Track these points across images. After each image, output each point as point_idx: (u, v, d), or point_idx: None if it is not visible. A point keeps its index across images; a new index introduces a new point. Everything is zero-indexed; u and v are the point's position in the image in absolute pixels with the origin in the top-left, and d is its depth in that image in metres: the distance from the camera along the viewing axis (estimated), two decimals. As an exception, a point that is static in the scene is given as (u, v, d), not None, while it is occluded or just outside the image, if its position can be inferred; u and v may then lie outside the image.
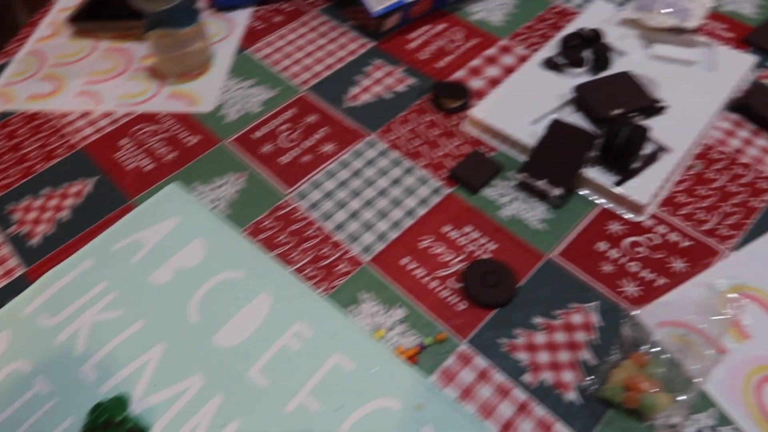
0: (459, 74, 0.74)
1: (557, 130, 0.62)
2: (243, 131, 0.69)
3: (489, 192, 0.61)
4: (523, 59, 0.75)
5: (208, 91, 0.74)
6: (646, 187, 0.58)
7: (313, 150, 0.66)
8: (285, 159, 0.66)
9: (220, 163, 0.66)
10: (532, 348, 0.50)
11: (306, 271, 0.56)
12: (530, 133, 0.64)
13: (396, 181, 0.63)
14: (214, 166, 0.66)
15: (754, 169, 0.62)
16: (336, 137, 0.67)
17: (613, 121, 0.60)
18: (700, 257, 0.55)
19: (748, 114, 0.67)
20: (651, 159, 0.61)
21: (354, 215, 0.60)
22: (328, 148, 0.66)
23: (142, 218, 0.62)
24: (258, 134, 0.68)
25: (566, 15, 0.81)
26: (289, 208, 0.61)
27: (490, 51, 0.76)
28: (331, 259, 0.57)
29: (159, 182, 0.65)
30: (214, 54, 0.78)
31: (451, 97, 0.69)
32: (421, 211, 0.60)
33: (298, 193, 0.62)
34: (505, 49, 0.76)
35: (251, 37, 0.81)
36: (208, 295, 0.55)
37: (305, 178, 0.63)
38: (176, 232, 0.60)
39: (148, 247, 0.59)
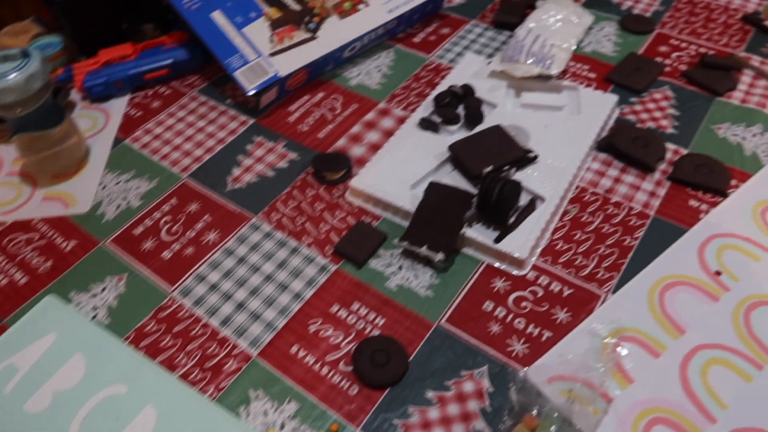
0: (340, 143, 0.74)
1: (435, 192, 0.63)
2: (122, 229, 0.67)
3: (376, 263, 0.61)
4: (401, 121, 0.76)
5: (85, 190, 0.71)
6: (525, 241, 0.60)
7: (197, 241, 0.65)
8: (167, 254, 0.64)
9: (99, 267, 0.63)
10: (426, 425, 0.49)
11: (193, 375, 0.54)
12: (411, 198, 0.65)
13: (282, 264, 0.62)
14: (93, 271, 0.63)
15: (625, 207, 0.65)
16: (219, 224, 0.66)
17: (487, 177, 0.62)
18: (581, 304, 0.57)
19: (614, 152, 0.70)
20: (527, 211, 0.62)
21: (240, 306, 0.58)
22: (211, 236, 0.65)
23: (15, 340, 0.58)
24: (138, 231, 0.66)
25: (440, 71, 0.84)
26: (173, 307, 0.59)
27: (369, 116, 0.77)
28: (218, 358, 0.55)
29: (34, 296, 0.61)
30: (89, 149, 0.76)
31: (332, 169, 0.69)
32: (309, 293, 0.59)
33: (181, 290, 0.60)
34: (384, 113, 0.78)
35: (129, 126, 0.79)
36: (89, 417, 0.52)
37: (189, 273, 0.62)
38: (53, 351, 0.57)
39: (23, 371, 0.56)
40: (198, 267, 0.62)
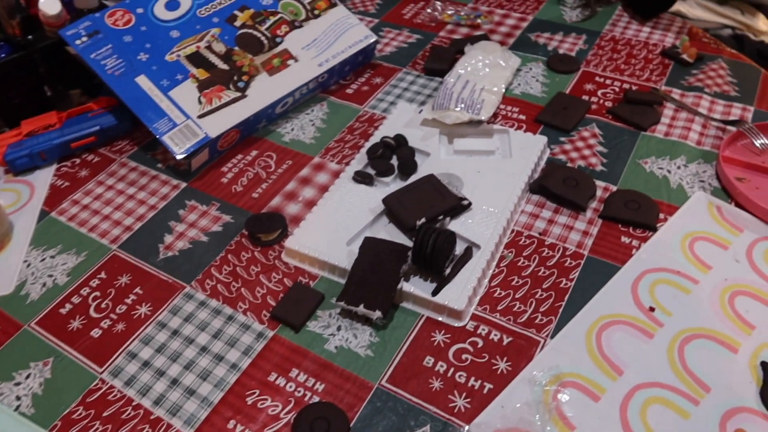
0: (275, 202, 0.73)
1: (370, 248, 0.63)
2: (48, 309, 0.63)
3: (314, 325, 0.60)
4: (336, 175, 0.76)
5: (7, 270, 0.68)
6: (462, 291, 0.59)
7: (127, 315, 0.62)
8: (96, 333, 0.61)
9: (23, 352, 0.60)
10: (370, 497, 0.48)
11: (124, 464, 0.51)
12: (347, 255, 0.64)
13: (217, 334, 0.59)
14: (16, 357, 0.59)
15: (560, 248, 0.65)
16: (151, 296, 0.64)
17: (421, 229, 0.61)
18: (521, 352, 0.56)
19: (547, 194, 0.71)
20: (463, 260, 0.62)
21: (174, 383, 0.56)
22: (142, 310, 0.62)
23: (-70, 441, 0.54)
24: (65, 309, 0.63)
25: (374, 121, 0.84)
26: (103, 389, 0.56)
27: (304, 171, 0.77)
28: (150, 443, 0.52)
29: (-49, 390, 0.57)
30: (12, 225, 0.73)
31: (266, 230, 0.68)
32: (246, 363, 0.57)
33: (111, 371, 0.57)
34: (319, 167, 0.77)
35: (55, 197, 0.77)
36: None
37: (119, 351, 0.59)
38: (-29, 449, 0.53)
39: (-62, 475, 0.52)
40: (129, 344, 0.59)
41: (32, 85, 0.86)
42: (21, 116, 0.84)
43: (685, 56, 0.91)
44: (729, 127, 0.79)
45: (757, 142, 0.76)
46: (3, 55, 0.82)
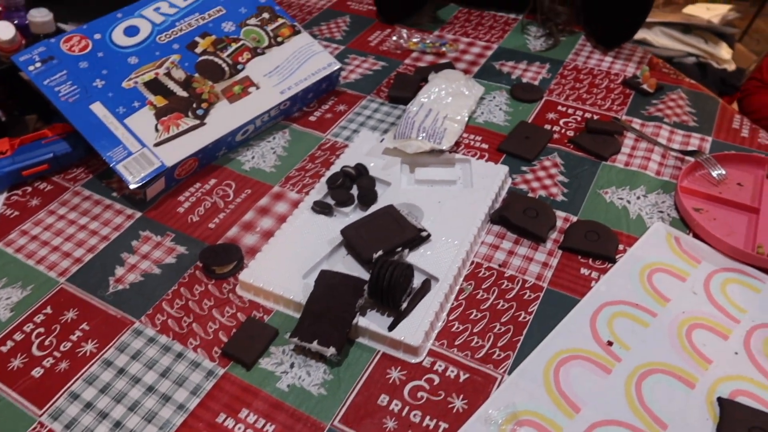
0: (232, 232, 0.71)
1: (326, 281, 0.61)
2: (-12, 347, 0.61)
3: (266, 362, 0.58)
4: (296, 204, 0.74)
5: (-52, 304, 0.65)
6: (419, 326, 0.58)
7: (72, 353, 0.59)
8: (38, 372, 0.58)
9: (-41, 394, 0.57)
10: None
11: None
12: (303, 288, 0.62)
13: (165, 373, 0.57)
14: (-49, 399, 0.56)
15: (519, 281, 0.65)
16: (98, 332, 0.61)
17: (377, 262, 0.60)
18: (478, 389, 0.55)
19: (507, 224, 0.71)
20: (421, 293, 0.61)
21: (117, 425, 0.53)
22: (88, 347, 0.60)
23: None
24: (6, 348, 0.60)
25: (336, 149, 0.83)
26: (41, 433, 0.53)
27: (263, 201, 0.75)
28: (89, 491, 0.49)
29: None
30: (-44, 257, 0.70)
31: (221, 262, 0.66)
32: (194, 403, 0.55)
33: (51, 413, 0.55)
34: (278, 197, 0.76)
35: (3, 228, 0.74)
36: None
37: (61, 392, 0.56)
38: None
39: None
40: (72, 384, 0.57)
41: (-15, 111, 0.84)
42: (-29, 143, 0.81)
43: (645, 86, 0.92)
44: (687, 158, 0.80)
45: (714, 173, 0.77)
46: (-47, 80, 0.80)
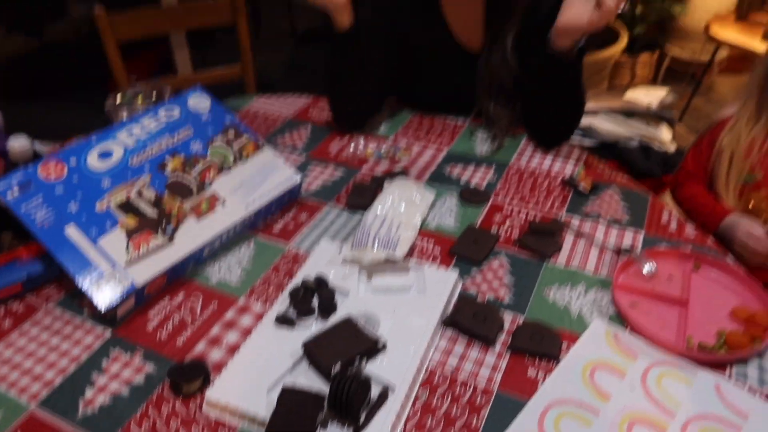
0: (199, 348, 0.75)
1: (287, 398, 0.65)
2: (-43, 479, 0.62)
3: (232, 481, 0.60)
4: (260, 317, 0.78)
5: None
6: (377, 437, 0.62)
7: (41, 481, 0.61)
8: (7, 503, 0.59)
9: None
10: None
11: None
12: (267, 404, 0.65)
13: (133, 497, 0.59)
14: None
15: (471, 386, 0.69)
16: (67, 458, 0.63)
17: (336, 376, 0.64)
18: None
19: (459, 328, 0.76)
20: (378, 404, 0.65)
21: None
22: (58, 474, 0.62)
23: None
24: (-25, 478, 0.62)
25: (298, 259, 0.88)
26: None
27: (229, 314, 0.79)
28: None
29: None
30: (-73, 386, 0.72)
31: (188, 380, 0.69)
32: None
33: None
34: (243, 310, 0.80)
35: (-25, 352, 0.76)
36: None
37: None
38: None
39: None
40: None
41: (-41, 234, 0.88)
42: (-55, 266, 0.84)
43: (582, 185, 1.01)
44: (622, 254, 0.87)
45: (645, 269, 0.84)
46: (-70, 209, 0.84)
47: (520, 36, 1.13)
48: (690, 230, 0.93)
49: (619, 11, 0.92)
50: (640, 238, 0.91)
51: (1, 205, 0.87)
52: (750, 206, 1.09)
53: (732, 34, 2.42)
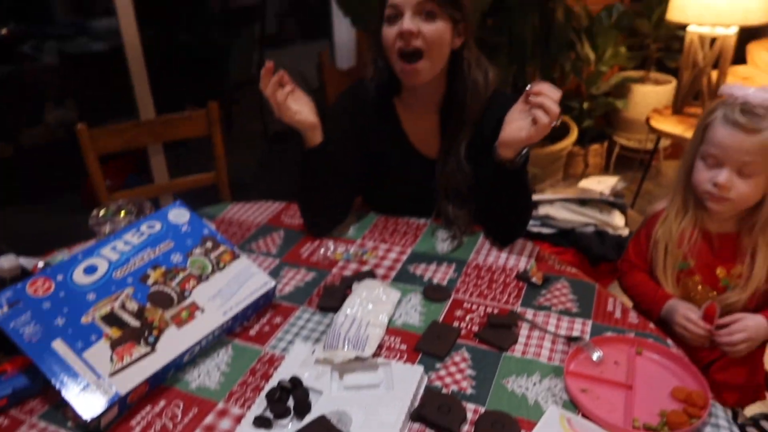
0: (180, 453, 0.79)
1: (267, 497, 0.69)
2: None
3: None
4: (238, 420, 0.83)
5: None
6: None
7: None
8: None
9: None
10: None
11: None
12: (246, 504, 0.69)
13: None
14: None
15: (438, 475, 0.74)
16: None
17: (312, 474, 0.69)
18: None
19: (425, 422, 0.81)
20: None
21: None
22: None
23: None
24: None
25: (274, 361, 0.94)
26: None
27: (208, 419, 0.84)
28: None
29: None
30: None
31: (171, 486, 0.73)
32: None
33: None
34: (222, 413, 0.85)
35: (-40, 470, 0.78)
36: None
37: None
38: None
39: None
40: None
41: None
42: (-69, 384, 0.87)
43: (534, 279, 1.10)
44: (572, 343, 0.95)
45: (594, 356, 0.92)
46: None
47: (471, 145, 1.26)
48: (633, 317, 1.02)
49: (554, 125, 1.05)
50: (589, 326, 1.00)
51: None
52: (687, 291, 1.19)
53: (669, 126, 2.64)
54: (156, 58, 2.41)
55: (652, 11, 3.08)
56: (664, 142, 3.17)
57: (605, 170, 3.36)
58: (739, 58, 3.00)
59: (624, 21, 3.02)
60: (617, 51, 3.07)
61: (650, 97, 3.14)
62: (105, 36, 3.16)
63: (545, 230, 2.20)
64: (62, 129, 3.35)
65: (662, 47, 3.19)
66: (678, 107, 2.75)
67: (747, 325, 1.08)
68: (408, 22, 1.14)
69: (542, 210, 2.33)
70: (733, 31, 2.48)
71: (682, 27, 2.62)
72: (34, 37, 3.17)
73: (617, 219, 2.33)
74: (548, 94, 1.03)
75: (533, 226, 2.19)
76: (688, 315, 1.10)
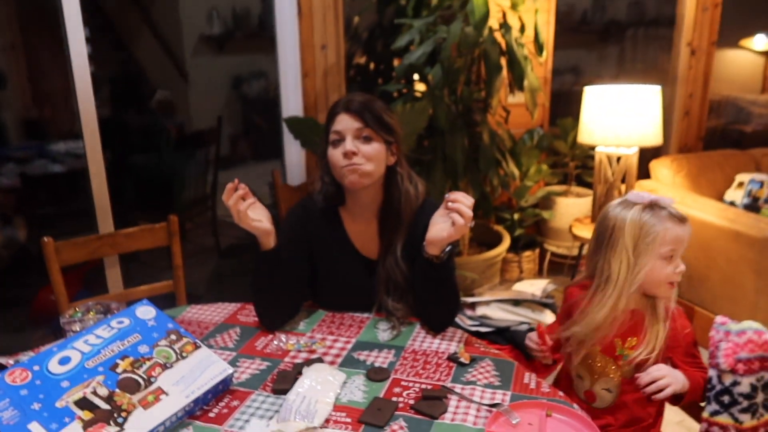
0: None
1: None
2: None
3: None
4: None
5: None
6: None
7: None
8: None
9: None
10: None
11: None
12: None
13: None
14: None
15: None
16: None
17: None
18: None
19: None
20: None
21: None
22: None
23: None
24: None
25: (232, 437, 1.05)
26: None
27: (172, 488, 0.93)
28: None
29: None
30: None
31: None
32: None
33: None
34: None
35: None
36: None
37: None
38: None
39: None
40: None
41: None
42: None
43: (462, 359, 1.26)
44: (493, 409, 1.10)
45: (513, 420, 1.07)
46: None
47: (405, 246, 1.46)
48: (545, 386, 1.18)
49: (470, 225, 1.27)
50: (508, 396, 1.15)
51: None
52: (586, 358, 1.38)
53: (589, 233, 2.94)
54: (113, 177, 2.58)
55: (567, 134, 3.53)
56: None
57: (539, 274, 3.62)
58: (645, 173, 3.42)
59: (544, 142, 3.44)
60: (540, 168, 3.45)
61: (573, 208, 3.50)
62: (64, 159, 3.35)
63: (483, 329, 2.37)
64: (9, 250, 3.40)
65: (579, 165, 3.60)
66: (595, 216, 3.08)
67: (661, 367, 1.27)
68: (349, 144, 1.38)
69: (479, 311, 2.52)
70: (633, 151, 2.87)
71: (592, 147, 3.02)
72: (-9, 161, 3.32)
73: (548, 317, 2.53)
74: (463, 201, 1.26)
75: (471, 326, 2.37)
76: (531, 336, 1.40)
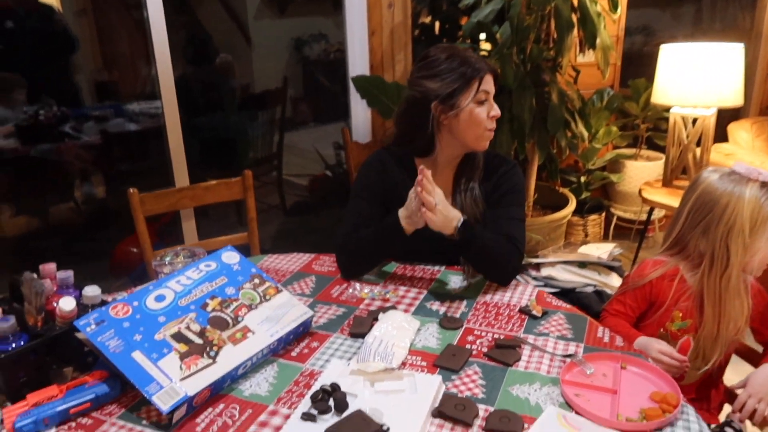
0: (240, 442, 0.94)
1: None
2: None
3: None
4: (287, 417, 0.99)
5: None
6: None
7: None
8: None
9: None
10: None
11: None
12: (300, 475, 0.85)
13: None
14: None
15: (456, 456, 0.89)
16: None
17: (353, 449, 0.85)
18: None
19: (444, 417, 0.97)
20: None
21: None
22: None
23: None
24: None
25: (314, 374, 1.10)
26: None
27: (262, 417, 1.00)
28: None
29: None
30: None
31: (236, 463, 0.88)
32: None
33: None
34: (273, 413, 1.01)
35: (56, 455, 0.94)
36: None
37: None
38: None
39: None
40: None
41: (38, 366, 1.09)
42: (25, 392, 1.04)
43: (534, 312, 1.28)
44: (567, 359, 1.11)
45: (586, 370, 1.08)
46: (22, 343, 1.06)
47: (481, 187, 1.50)
48: (619, 341, 1.18)
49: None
50: (581, 348, 1.16)
51: (67, 345, 1.10)
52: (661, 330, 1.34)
53: (660, 197, 2.86)
54: (187, 136, 2.68)
55: (639, 95, 3.40)
56: (658, 214, 3.38)
57: (604, 239, 3.55)
58: (722, 136, 3.27)
59: (614, 103, 3.32)
60: (609, 130, 3.35)
61: (642, 172, 3.39)
62: (138, 118, 3.49)
63: (548, 290, 2.36)
64: (89, 206, 3.60)
65: (651, 127, 3.48)
66: (667, 180, 2.98)
67: (741, 398, 1.20)
68: (497, 109, 1.45)
69: (545, 271, 2.50)
70: (711, 113, 2.74)
71: (667, 109, 2.91)
72: (73, 119, 3.49)
73: (615, 280, 2.50)
74: (426, 186, 1.29)
75: (536, 287, 2.36)
76: (662, 348, 1.24)
